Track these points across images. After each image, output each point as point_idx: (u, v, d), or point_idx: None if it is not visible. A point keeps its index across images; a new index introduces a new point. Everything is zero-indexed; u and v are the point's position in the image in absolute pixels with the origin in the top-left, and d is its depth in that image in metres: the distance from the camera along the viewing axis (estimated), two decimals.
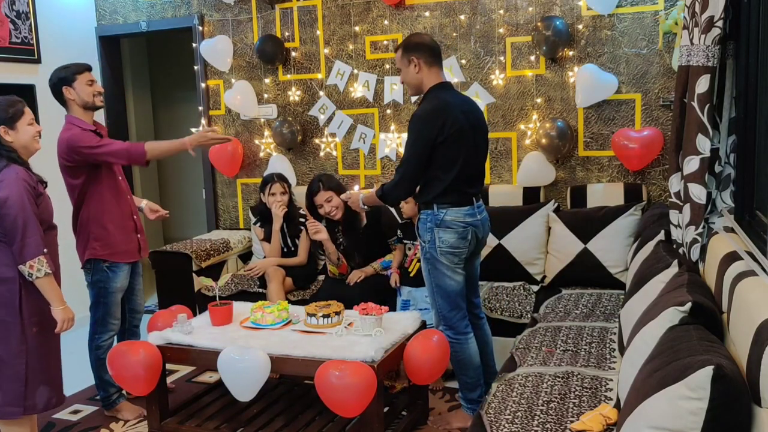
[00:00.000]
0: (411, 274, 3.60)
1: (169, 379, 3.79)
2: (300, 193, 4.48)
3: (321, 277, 4.09)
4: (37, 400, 2.75)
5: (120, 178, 3.37)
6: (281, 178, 4.09)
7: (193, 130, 4.98)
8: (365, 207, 3.25)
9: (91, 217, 3.25)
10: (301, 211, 4.19)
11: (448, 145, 2.86)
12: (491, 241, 3.85)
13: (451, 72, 4.22)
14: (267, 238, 4.10)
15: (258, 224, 4.16)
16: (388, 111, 4.45)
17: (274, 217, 4.02)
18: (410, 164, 2.91)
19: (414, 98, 3.10)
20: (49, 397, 2.80)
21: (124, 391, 3.49)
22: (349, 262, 3.89)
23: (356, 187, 3.43)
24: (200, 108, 5.01)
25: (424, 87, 2.99)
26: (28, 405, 2.73)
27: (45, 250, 2.65)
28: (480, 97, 4.19)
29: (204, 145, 3.40)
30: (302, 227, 4.10)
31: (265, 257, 4.12)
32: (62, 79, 3.17)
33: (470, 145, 2.94)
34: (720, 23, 2.38)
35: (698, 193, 2.50)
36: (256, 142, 4.87)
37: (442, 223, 2.92)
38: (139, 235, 3.43)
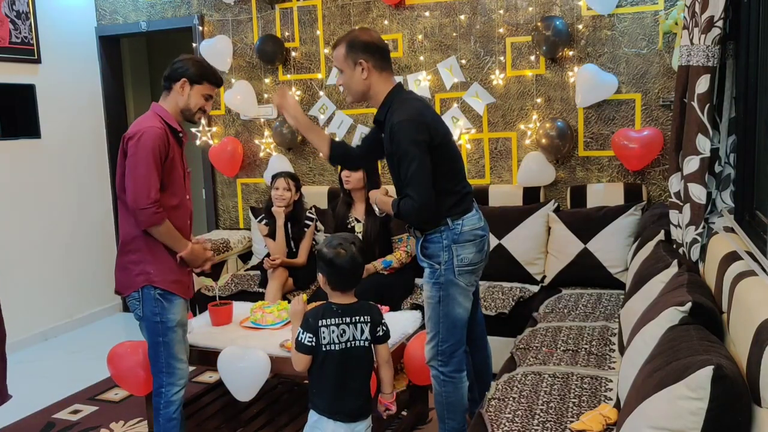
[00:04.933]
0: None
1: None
2: (307, 192, 4.48)
3: None
4: None
5: (188, 197, 2.77)
6: (289, 175, 4.09)
7: (193, 130, 5.03)
8: (379, 210, 2.84)
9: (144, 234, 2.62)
10: (308, 213, 4.18)
11: (444, 151, 2.53)
12: (491, 240, 3.83)
13: (451, 72, 4.22)
14: (270, 234, 4.10)
15: (263, 221, 4.16)
16: None
17: (275, 213, 4.02)
18: (422, 179, 2.44)
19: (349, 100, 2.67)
20: None
21: None
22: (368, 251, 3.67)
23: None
24: None
25: (372, 95, 2.58)
26: None
27: None
28: (480, 97, 4.18)
29: (193, 262, 2.75)
30: (306, 229, 4.10)
31: (268, 255, 4.12)
32: (188, 73, 2.75)
33: (454, 144, 2.67)
34: (720, 23, 2.38)
35: (698, 193, 2.50)
36: (256, 142, 4.87)
37: (461, 236, 2.55)
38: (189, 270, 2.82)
